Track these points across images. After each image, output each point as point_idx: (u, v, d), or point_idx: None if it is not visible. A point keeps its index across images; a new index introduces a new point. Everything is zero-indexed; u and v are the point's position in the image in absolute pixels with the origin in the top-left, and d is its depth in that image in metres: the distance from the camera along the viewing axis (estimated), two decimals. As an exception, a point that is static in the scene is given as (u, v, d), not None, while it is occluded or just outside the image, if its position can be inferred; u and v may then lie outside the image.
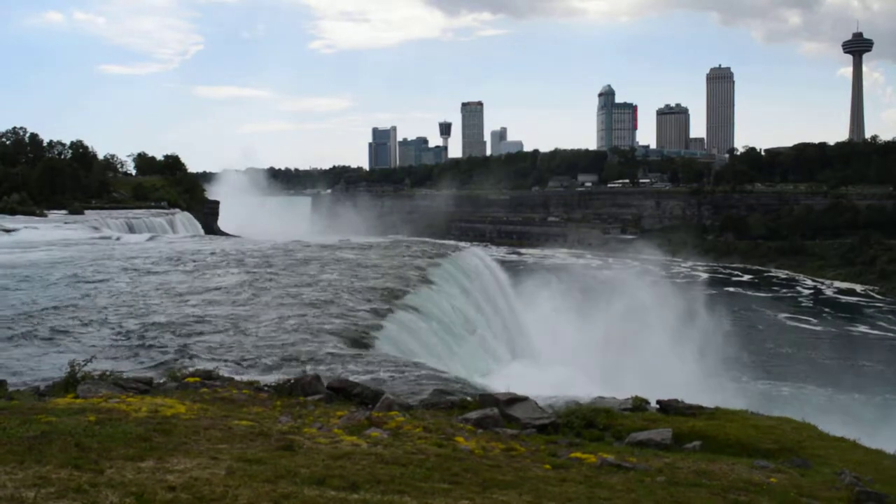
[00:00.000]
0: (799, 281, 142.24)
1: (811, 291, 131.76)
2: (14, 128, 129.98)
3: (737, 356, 53.13)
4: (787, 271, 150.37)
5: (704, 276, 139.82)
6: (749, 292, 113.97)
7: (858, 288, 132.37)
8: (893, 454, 14.64)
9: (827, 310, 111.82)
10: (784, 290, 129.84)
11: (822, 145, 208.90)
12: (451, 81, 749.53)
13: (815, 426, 15.73)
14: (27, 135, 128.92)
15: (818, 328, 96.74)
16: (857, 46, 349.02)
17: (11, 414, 10.98)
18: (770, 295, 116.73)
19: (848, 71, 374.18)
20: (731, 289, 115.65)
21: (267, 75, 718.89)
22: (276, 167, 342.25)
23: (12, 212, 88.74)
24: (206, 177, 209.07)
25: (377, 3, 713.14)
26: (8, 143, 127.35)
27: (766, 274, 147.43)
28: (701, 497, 9.56)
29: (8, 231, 65.82)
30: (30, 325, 25.53)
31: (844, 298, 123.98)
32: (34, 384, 16.18)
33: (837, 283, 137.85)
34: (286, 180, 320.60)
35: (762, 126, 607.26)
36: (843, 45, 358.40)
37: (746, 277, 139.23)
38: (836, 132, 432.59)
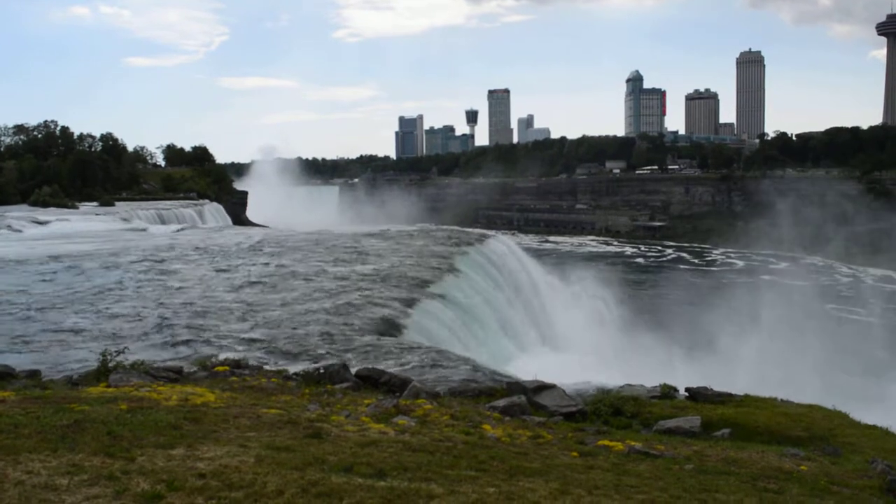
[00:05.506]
0: (835, 268, 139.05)
1: (850, 279, 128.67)
2: (45, 121, 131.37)
3: (792, 347, 52.04)
4: (820, 258, 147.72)
5: (740, 263, 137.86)
6: (787, 280, 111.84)
7: (894, 275, 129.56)
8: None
9: (872, 300, 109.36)
10: (823, 278, 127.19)
11: (855, 129, 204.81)
12: (477, 68, 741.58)
13: (847, 414, 15.51)
14: (58, 128, 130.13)
15: (870, 319, 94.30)
16: (892, 28, 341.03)
17: (45, 403, 11.18)
18: (809, 283, 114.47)
19: (881, 53, 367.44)
20: (767, 277, 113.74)
21: (292, 65, 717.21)
22: (304, 157, 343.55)
23: (45, 204, 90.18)
24: (235, 167, 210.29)
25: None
26: (40, 136, 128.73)
27: (801, 261, 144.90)
28: (730, 485, 9.47)
29: (40, 223, 66.94)
30: (62, 315, 25.98)
31: (889, 287, 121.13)
32: (67, 373, 16.46)
33: (872, 271, 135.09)
34: (314, 170, 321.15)
35: (793, 111, 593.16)
36: (876, 27, 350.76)
37: (782, 265, 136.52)
38: (869, 116, 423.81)
